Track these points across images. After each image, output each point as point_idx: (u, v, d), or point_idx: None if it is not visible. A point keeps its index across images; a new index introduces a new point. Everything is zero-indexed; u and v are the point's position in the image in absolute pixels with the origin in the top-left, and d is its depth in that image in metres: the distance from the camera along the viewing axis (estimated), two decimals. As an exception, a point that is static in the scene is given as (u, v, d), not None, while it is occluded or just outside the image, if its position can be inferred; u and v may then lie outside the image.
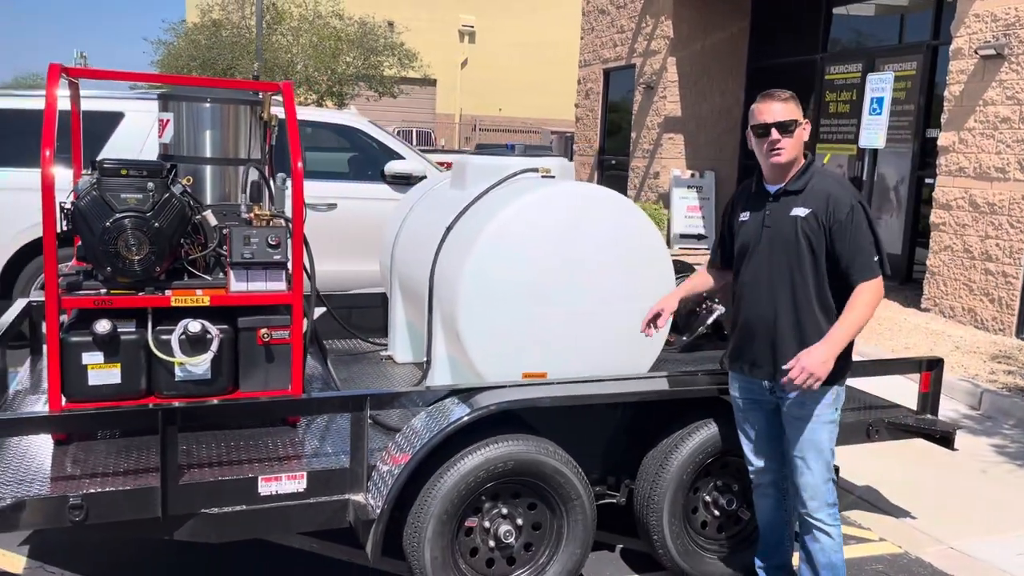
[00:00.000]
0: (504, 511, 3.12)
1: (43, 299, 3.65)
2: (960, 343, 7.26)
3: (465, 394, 3.12)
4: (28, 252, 6.12)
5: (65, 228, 3.13)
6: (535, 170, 3.86)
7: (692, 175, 13.05)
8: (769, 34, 12.80)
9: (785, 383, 2.86)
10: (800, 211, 2.92)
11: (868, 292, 2.86)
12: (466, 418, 2.96)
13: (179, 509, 2.75)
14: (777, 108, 2.94)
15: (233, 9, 21.78)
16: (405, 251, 4.22)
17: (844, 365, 2.97)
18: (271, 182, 3.62)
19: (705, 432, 3.35)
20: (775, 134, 2.92)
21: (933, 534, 4.04)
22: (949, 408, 5.90)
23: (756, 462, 3.22)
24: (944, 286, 8.26)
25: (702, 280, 3.42)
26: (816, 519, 3.02)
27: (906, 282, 9.88)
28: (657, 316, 3.26)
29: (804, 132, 2.98)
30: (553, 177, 3.87)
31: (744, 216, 3.11)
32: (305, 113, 7.13)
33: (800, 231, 2.91)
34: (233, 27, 21.39)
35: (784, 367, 2.88)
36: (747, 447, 3.22)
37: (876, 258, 2.87)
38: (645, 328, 3.27)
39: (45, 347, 3.09)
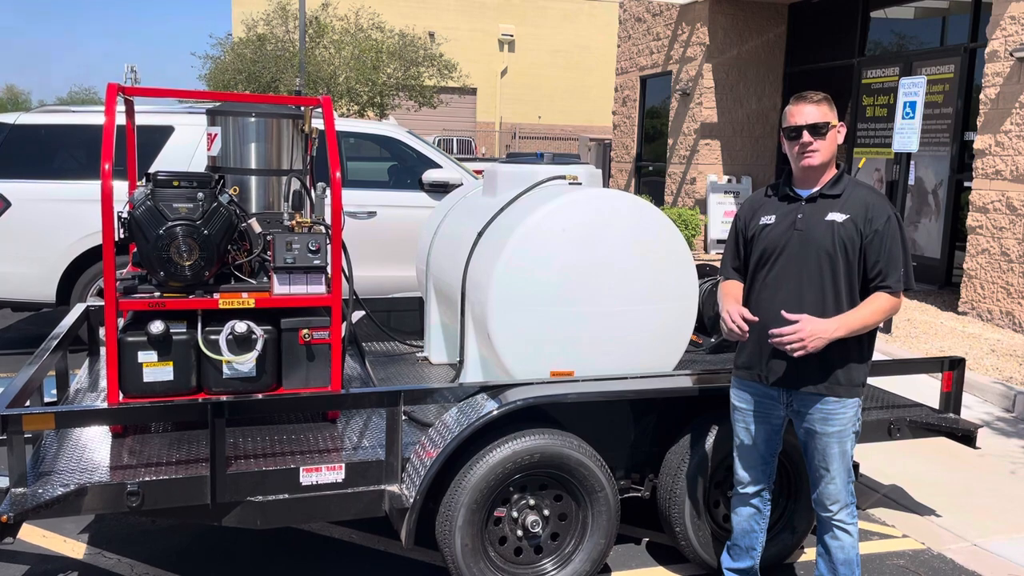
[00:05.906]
0: (531, 502, 3.27)
1: (100, 304, 3.89)
2: (996, 346, 7.22)
3: (494, 390, 3.28)
4: (84, 260, 6.40)
5: (122, 236, 3.37)
6: (563, 177, 4.02)
7: (729, 180, 13.08)
8: (806, 39, 12.80)
9: (774, 334, 2.79)
10: (837, 216, 2.89)
11: (887, 300, 2.86)
12: (495, 413, 3.12)
13: (226, 497, 2.95)
14: (809, 110, 2.90)
15: (277, 24, 22.30)
16: (439, 256, 4.40)
17: (864, 375, 2.97)
18: (312, 191, 3.82)
19: (726, 429, 3.43)
20: (806, 136, 2.89)
21: (957, 532, 4.08)
22: (983, 411, 5.90)
23: (745, 474, 3.18)
24: (981, 289, 8.21)
25: (739, 288, 3.17)
26: (837, 520, 3.02)
27: (945, 286, 9.82)
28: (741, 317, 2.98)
29: (838, 135, 2.95)
30: (580, 184, 4.01)
31: (767, 219, 3.03)
32: (346, 124, 7.36)
33: (836, 236, 2.87)
34: (277, 41, 21.90)
35: (785, 323, 2.83)
36: (739, 457, 3.19)
37: (903, 271, 2.86)
38: (740, 333, 2.95)
39: (102, 349, 3.31)
